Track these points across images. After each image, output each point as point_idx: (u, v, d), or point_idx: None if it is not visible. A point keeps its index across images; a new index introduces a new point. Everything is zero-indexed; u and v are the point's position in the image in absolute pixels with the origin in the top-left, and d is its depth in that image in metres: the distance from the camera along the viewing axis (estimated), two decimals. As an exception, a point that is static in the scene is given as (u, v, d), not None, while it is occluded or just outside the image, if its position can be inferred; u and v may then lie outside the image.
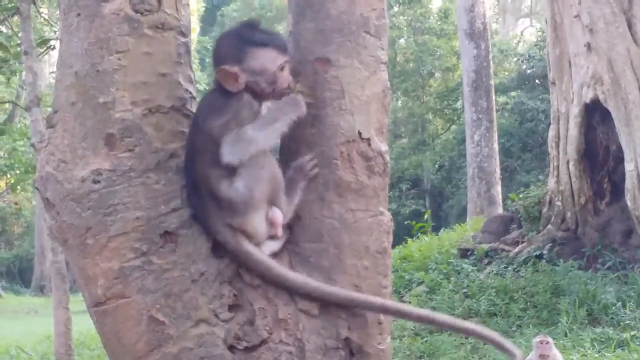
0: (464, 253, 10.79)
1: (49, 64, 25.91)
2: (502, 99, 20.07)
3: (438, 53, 23.31)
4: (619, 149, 9.51)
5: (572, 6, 10.00)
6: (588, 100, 9.79)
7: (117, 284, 1.93)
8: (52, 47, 9.14)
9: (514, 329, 8.30)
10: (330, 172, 2.06)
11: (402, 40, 24.80)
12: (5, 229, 29.16)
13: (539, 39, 20.16)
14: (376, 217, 2.11)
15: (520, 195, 11.55)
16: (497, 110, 16.21)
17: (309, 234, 2.06)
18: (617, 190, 9.89)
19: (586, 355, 7.15)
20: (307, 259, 2.05)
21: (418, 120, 24.42)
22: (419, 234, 13.54)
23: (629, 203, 9.28)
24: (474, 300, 9.01)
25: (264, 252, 2.01)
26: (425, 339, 8.17)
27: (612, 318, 8.10)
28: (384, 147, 2.13)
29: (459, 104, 21.62)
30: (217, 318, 1.96)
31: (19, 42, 8.92)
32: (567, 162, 10.19)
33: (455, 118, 23.15)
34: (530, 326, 8.12)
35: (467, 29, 14.95)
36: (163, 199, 1.97)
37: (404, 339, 8.30)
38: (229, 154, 1.92)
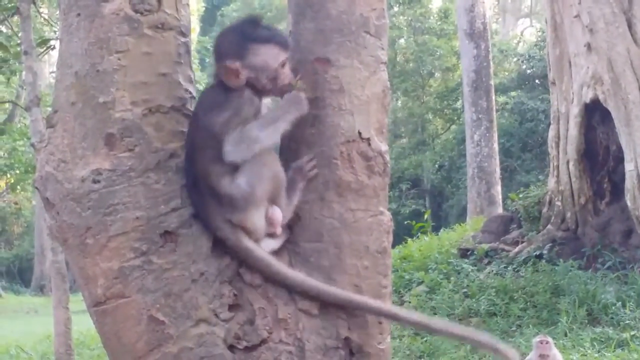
0: (464, 253, 10.78)
1: (49, 64, 25.90)
2: (502, 99, 20.06)
3: (438, 53, 23.30)
4: (619, 149, 9.51)
5: (572, 6, 10.00)
6: (588, 100, 9.78)
7: (117, 284, 1.93)
8: (52, 47, 9.13)
9: (513, 328, 8.30)
10: (330, 172, 2.06)
11: (402, 40, 24.80)
12: (5, 229, 29.12)
13: (539, 39, 20.15)
14: (376, 217, 2.11)
15: (520, 195, 11.54)
16: (497, 110, 16.20)
17: (309, 234, 2.06)
18: (617, 190, 9.88)
19: (586, 355, 7.15)
20: (307, 258, 2.06)
21: (418, 120, 24.41)
22: (419, 233, 13.52)
23: (629, 203, 9.27)
24: (473, 300, 9.00)
25: (263, 249, 2.02)
26: (425, 339, 8.17)
27: (612, 318, 8.10)
28: (384, 147, 2.13)
29: (459, 104, 21.61)
30: (217, 318, 1.96)
31: (19, 42, 8.91)
32: (567, 162, 10.18)
33: (455, 118, 23.13)
34: (530, 326, 8.12)
35: (467, 29, 14.94)
36: (163, 199, 1.97)
37: (404, 339, 8.30)
38: (232, 153, 1.93)
